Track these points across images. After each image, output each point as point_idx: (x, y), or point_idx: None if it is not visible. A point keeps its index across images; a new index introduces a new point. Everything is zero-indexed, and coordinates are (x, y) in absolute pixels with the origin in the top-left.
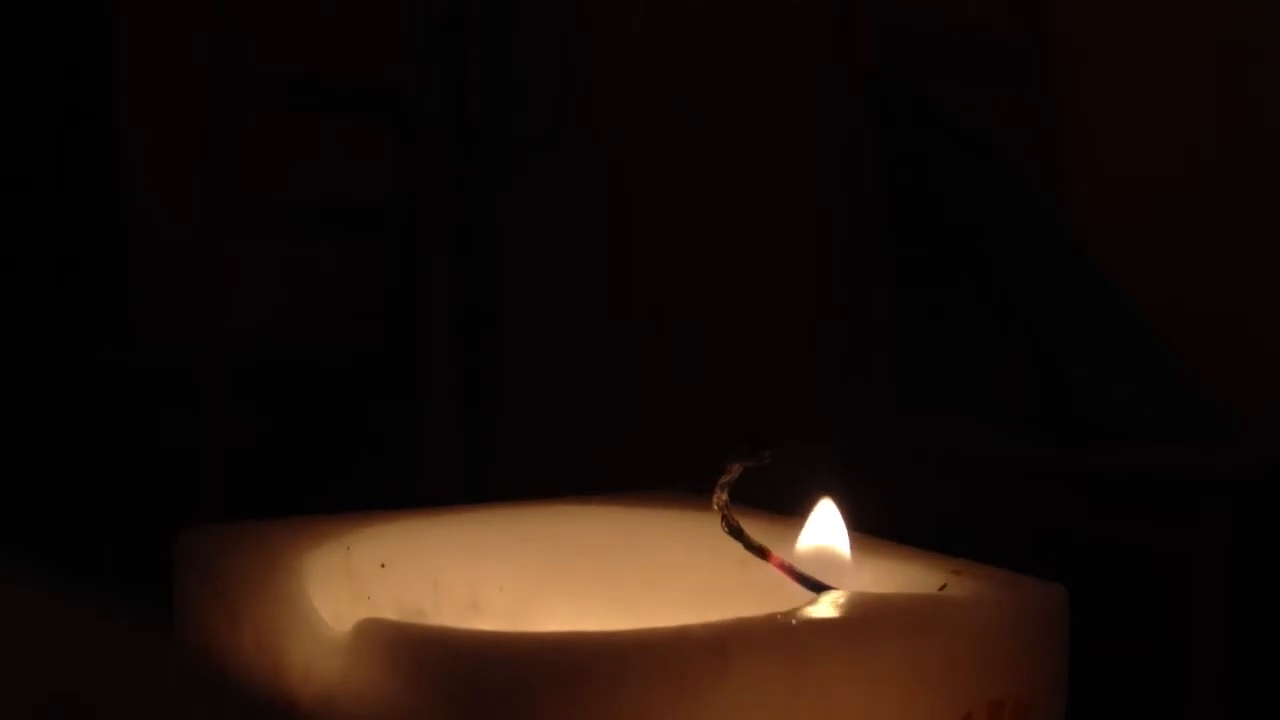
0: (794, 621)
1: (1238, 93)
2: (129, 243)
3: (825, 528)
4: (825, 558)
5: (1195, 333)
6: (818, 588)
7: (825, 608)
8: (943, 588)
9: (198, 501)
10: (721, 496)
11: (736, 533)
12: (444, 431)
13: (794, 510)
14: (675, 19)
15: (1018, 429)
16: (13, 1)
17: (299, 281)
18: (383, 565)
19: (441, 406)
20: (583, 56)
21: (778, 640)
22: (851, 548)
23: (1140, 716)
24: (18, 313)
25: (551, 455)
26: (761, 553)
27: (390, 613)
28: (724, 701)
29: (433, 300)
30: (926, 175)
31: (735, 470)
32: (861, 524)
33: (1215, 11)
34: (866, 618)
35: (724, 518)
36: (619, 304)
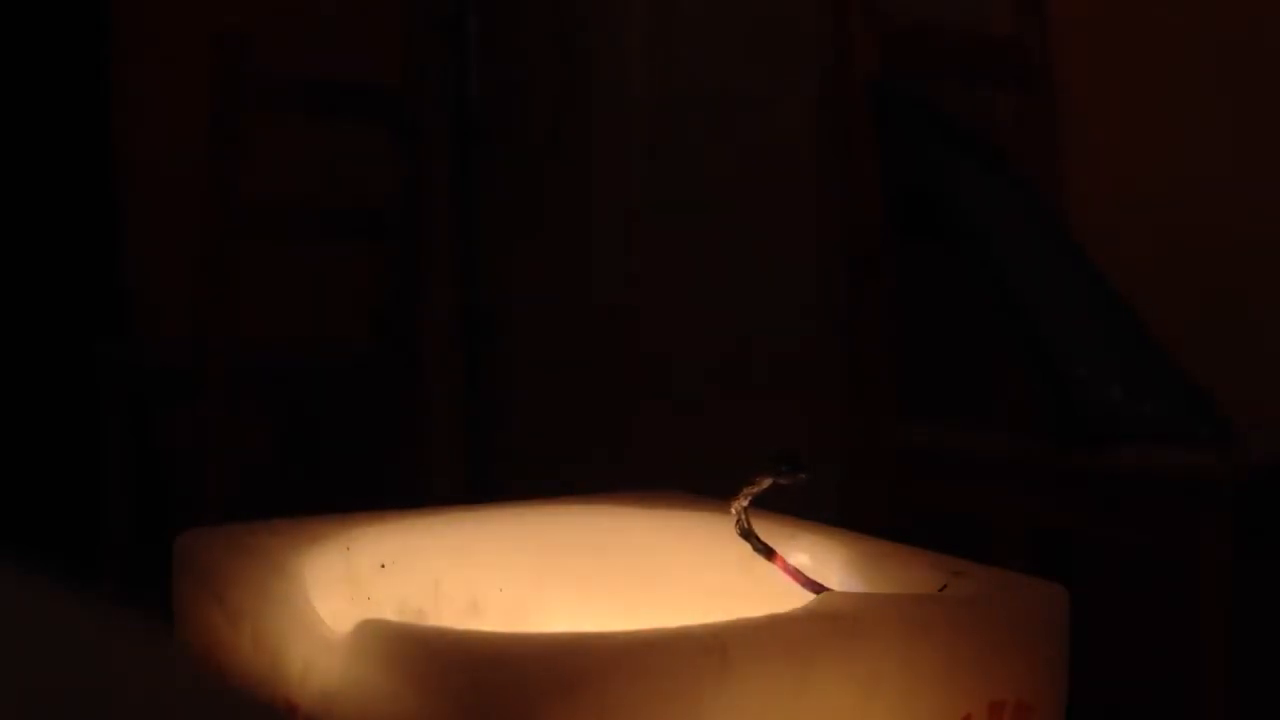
0: (794, 621)
1: (1238, 93)
2: (129, 243)
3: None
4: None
5: (1195, 333)
6: (819, 589)
7: (825, 608)
8: (943, 588)
9: (198, 502)
10: (742, 503)
11: (748, 534)
12: (444, 431)
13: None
14: (675, 20)
15: (1018, 429)
16: (13, 1)
17: (299, 282)
18: (383, 565)
19: (441, 406)
20: (583, 56)
21: (778, 640)
22: (847, 558)
23: (1140, 717)
24: (18, 313)
25: (551, 455)
26: (769, 553)
27: (390, 613)
28: (724, 701)
29: (433, 300)
30: (926, 176)
31: (764, 483)
32: (862, 524)
33: (1215, 11)
34: (867, 618)
35: (738, 521)
36: (619, 304)
